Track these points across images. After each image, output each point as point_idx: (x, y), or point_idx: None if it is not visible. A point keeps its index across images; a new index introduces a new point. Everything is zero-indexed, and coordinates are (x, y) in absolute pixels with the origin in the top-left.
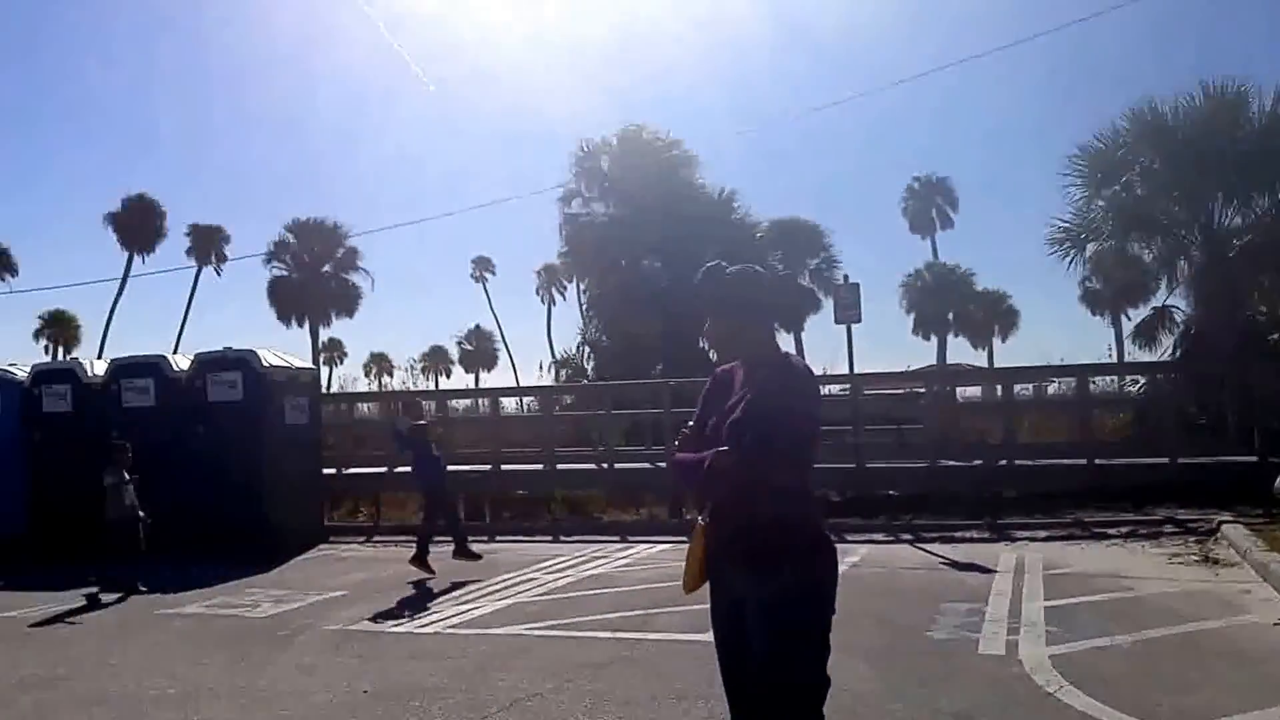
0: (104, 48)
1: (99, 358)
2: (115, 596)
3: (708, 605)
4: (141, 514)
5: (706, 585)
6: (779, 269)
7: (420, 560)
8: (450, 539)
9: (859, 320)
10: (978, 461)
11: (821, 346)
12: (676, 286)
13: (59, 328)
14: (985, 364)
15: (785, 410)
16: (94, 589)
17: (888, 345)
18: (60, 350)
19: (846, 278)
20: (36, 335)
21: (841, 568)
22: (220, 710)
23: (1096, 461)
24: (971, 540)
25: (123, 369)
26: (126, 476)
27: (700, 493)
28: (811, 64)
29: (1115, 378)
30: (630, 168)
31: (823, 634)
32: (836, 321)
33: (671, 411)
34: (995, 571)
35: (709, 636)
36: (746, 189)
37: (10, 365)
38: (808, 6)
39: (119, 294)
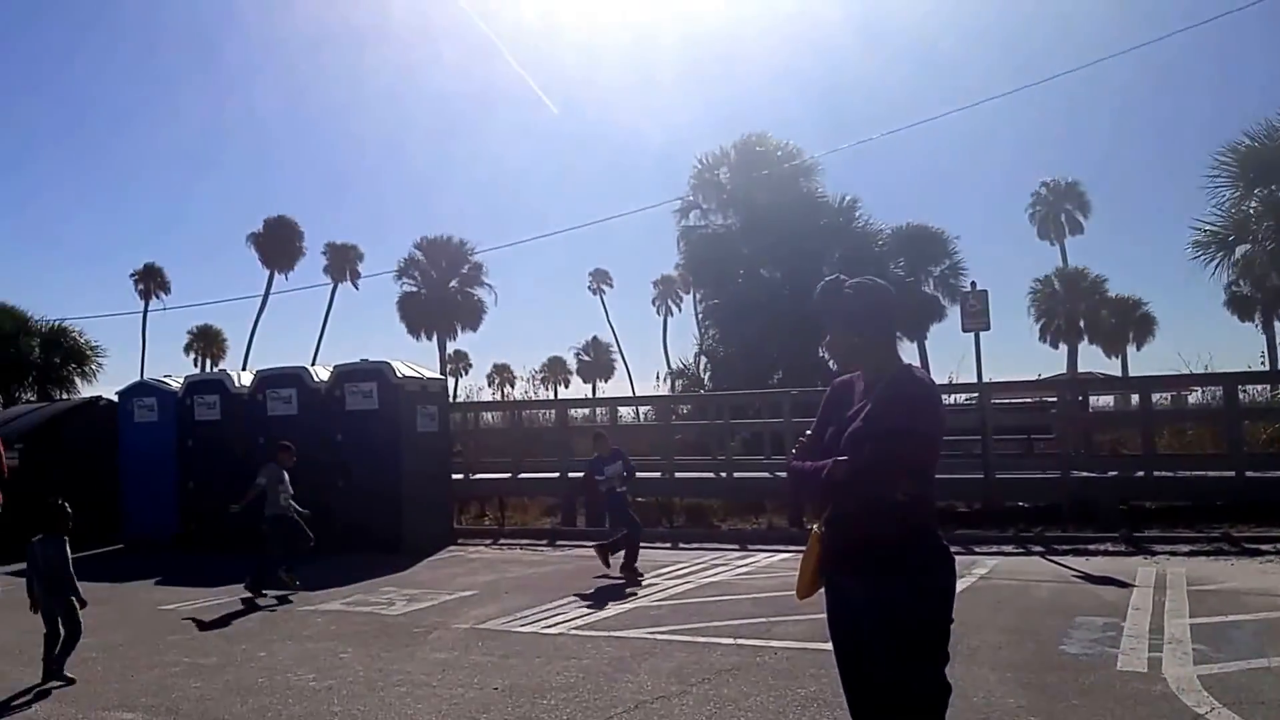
0: (246, 82)
1: (243, 369)
2: (277, 594)
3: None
4: (300, 509)
5: (822, 593)
6: (902, 277)
7: (614, 560)
8: (623, 549)
9: (988, 328)
10: (1113, 472)
11: (946, 355)
12: (796, 296)
13: (207, 341)
14: (1119, 372)
15: (903, 422)
16: (254, 585)
17: (1014, 353)
18: (208, 362)
19: (975, 284)
20: (187, 349)
21: (970, 579)
22: (361, 702)
23: (1247, 474)
24: (1107, 553)
25: (267, 380)
26: (286, 476)
27: (816, 501)
28: (936, 68)
29: (1268, 386)
30: (749, 178)
31: (939, 643)
32: (964, 329)
33: (792, 421)
34: (1133, 586)
35: (832, 646)
36: (868, 197)
37: (165, 377)
38: (932, 11)
39: (261, 309)
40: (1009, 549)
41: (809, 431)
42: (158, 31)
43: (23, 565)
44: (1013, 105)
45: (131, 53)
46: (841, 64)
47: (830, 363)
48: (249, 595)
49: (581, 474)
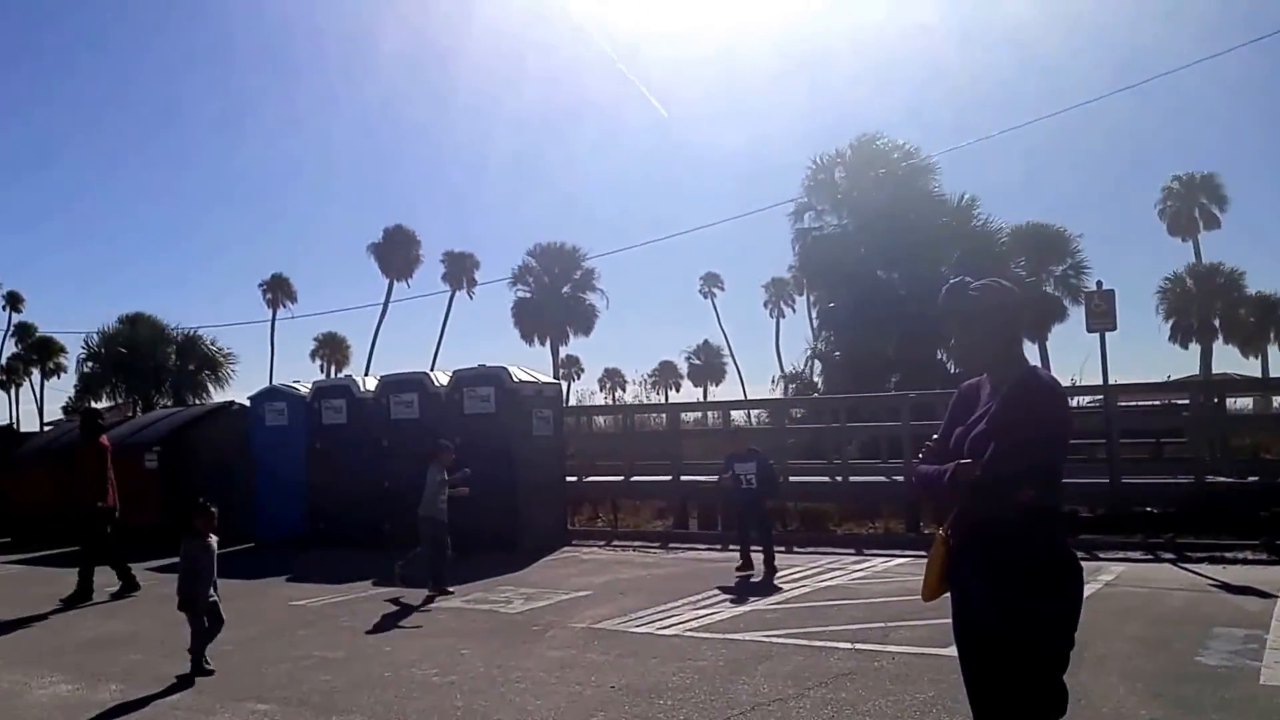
0: (366, 97)
1: (366, 374)
2: (427, 593)
3: (948, 620)
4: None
5: (946, 598)
6: (1022, 277)
7: (769, 563)
8: (752, 551)
9: (1113, 328)
10: (1253, 478)
11: (1068, 356)
12: (913, 298)
13: (331, 348)
14: (1257, 373)
15: (1029, 425)
16: (435, 584)
17: (1140, 354)
18: (333, 368)
19: (1100, 283)
20: (313, 355)
21: (1094, 586)
22: (481, 698)
23: None
24: (1246, 562)
25: (390, 384)
26: (444, 477)
27: (940, 504)
28: (1056, 61)
29: None
30: (864, 178)
31: (1062, 650)
32: (1089, 330)
33: (911, 424)
34: (1278, 597)
35: (951, 651)
36: (987, 195)
37: (294, 382)
38: (1041, 8)
39: (381, 316)
40: (1136, 555)
41: (935, 435)
42: (283, 50)
43: (163, 561)
44: (1137, 99)
45: (257, 73)
46: (945, 63)
47: (949, 365)
48: (432, 594)
49: (692, 477)
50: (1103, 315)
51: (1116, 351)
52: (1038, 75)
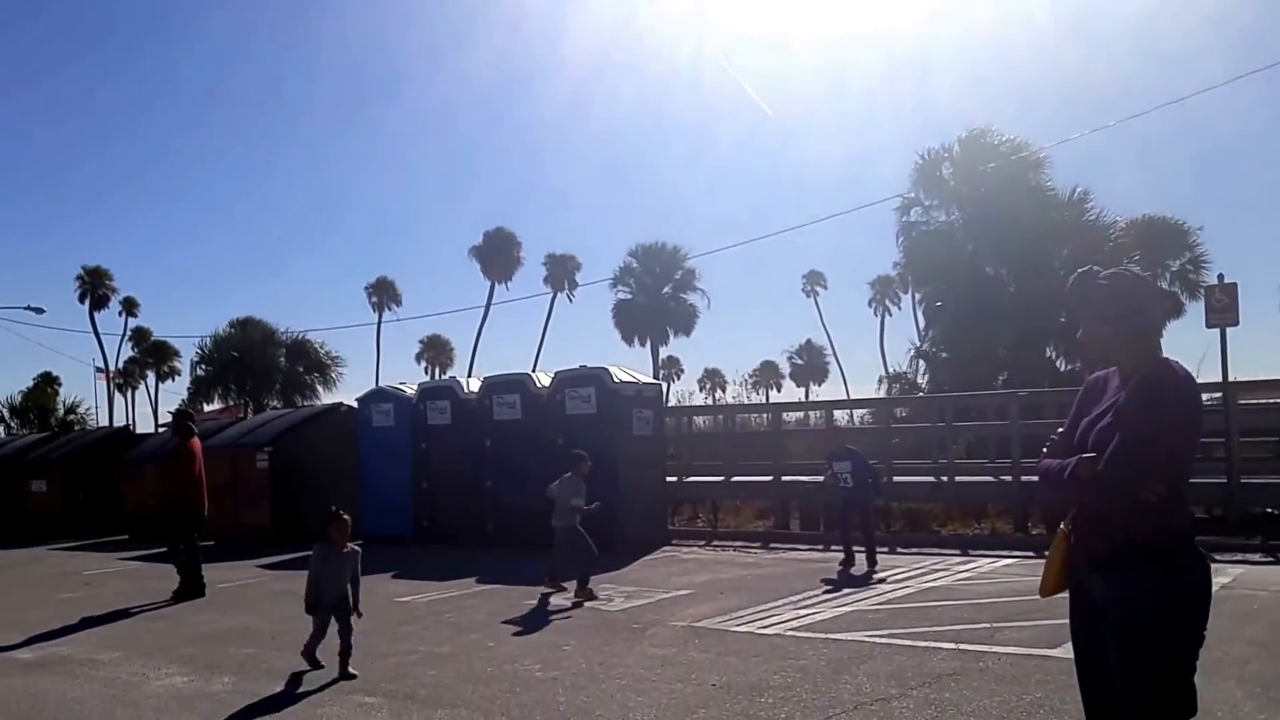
0: (468, 101)
1: (469, 376)
2: (574, 597)
3: (1057, 621)
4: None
5: (1059, 599)
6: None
7: (870, 559)
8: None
9: (1235, 323)
10: None
11: (1183, 353)
12: (1023, 295)
13: (435, 350)
14: None
15: (1156, 420)
16: (580, 590)
17: (1263, 351)
18: (437, 370)
19: (1221, 277)
20: (417, 357)
21: (1211, 588)
22: (584, 694)
23: None
24: None
25: (493, 386)
26: (583, 486)
27: (1061, 500)
28: (1172, 50)
29: None
30: (973, 173)
31: (1185, 654)
32: (1208, 325)
33: (1019, 423)
34: None
35: (1060, 653)
36: (1100, 188)
37: (400, 384)
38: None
39: (484, 319)
40: (1255, 558)
41: (1060, 429)
42: (386, 56)
43: (273, 558)
44: (1261, 85)
45: (362, 79)
46: (1054, 59)
47: (1058, 363)
48: (579, 600)
49: (794, 477)
50: (1224, 310)
51: (1238, 347)
52: (1152, 66)
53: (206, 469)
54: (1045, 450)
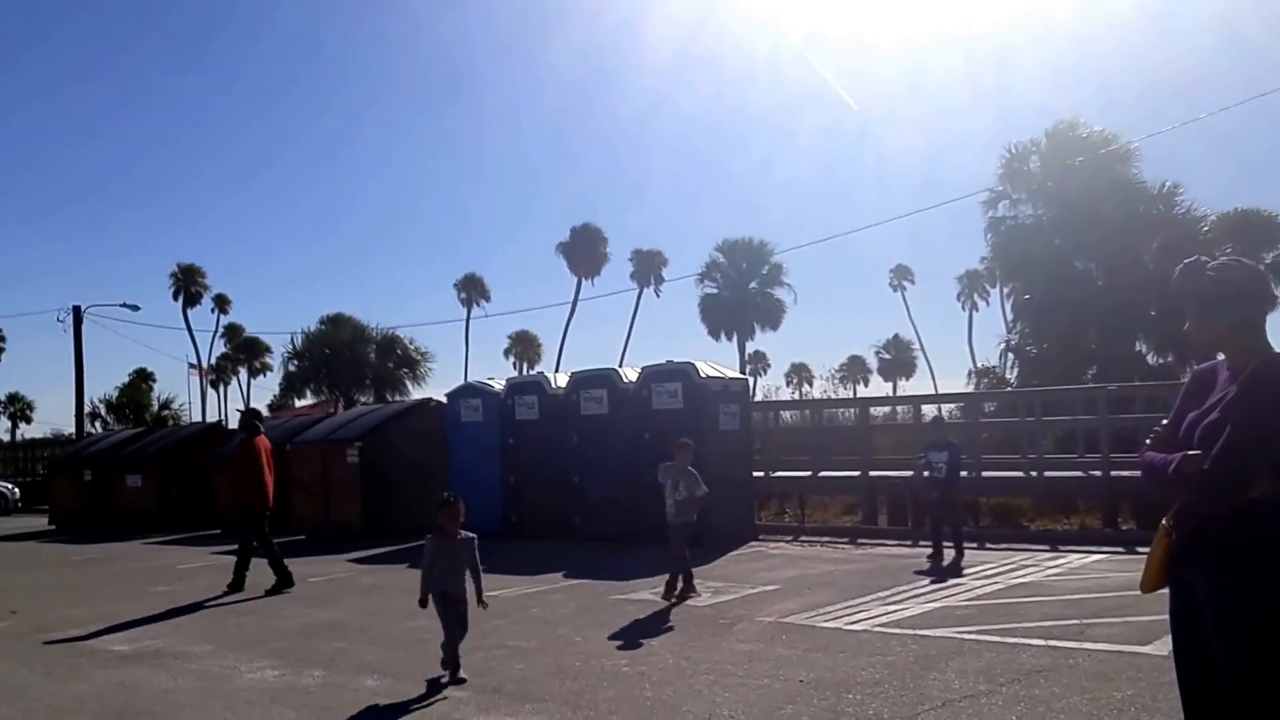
0: (547, 100)
1: (557, 371)
2: (677, 598)
3: (1148, 617)
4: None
5: (1156, 595)
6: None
7: (958, 552)
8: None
9: None
10: None
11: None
12: (1112, 289)
13: (523, 345)
14: None
15: (1267, 414)
16: (668, 589)
17: None
18: (525, 365)
19: None
20: (505, 353)
21: None
22: (670, 688)
23: None
24: None
25: (581, 381)
26: (686, 475)
27: (1164, 495)
28: (1261, 41)
29: None
30: (1061, 166)
31: None
32: None
33: (1108, 418)
34: None
35: (1151, 649)
36: (1193, 181)
37: (489, 379)
38: None
39: (571, 314)
40: None
41: (1164, 421)
42: (470, 56)
43: (364, 552)
44: None
45: (448, 79)
46: (1140, 53)
47: (1149, 357)
48: (676, 601)
49: (882, 472)
50: None
51: None
52: (1240, 58)
53: (296, 465)
54: (1148, 442)
